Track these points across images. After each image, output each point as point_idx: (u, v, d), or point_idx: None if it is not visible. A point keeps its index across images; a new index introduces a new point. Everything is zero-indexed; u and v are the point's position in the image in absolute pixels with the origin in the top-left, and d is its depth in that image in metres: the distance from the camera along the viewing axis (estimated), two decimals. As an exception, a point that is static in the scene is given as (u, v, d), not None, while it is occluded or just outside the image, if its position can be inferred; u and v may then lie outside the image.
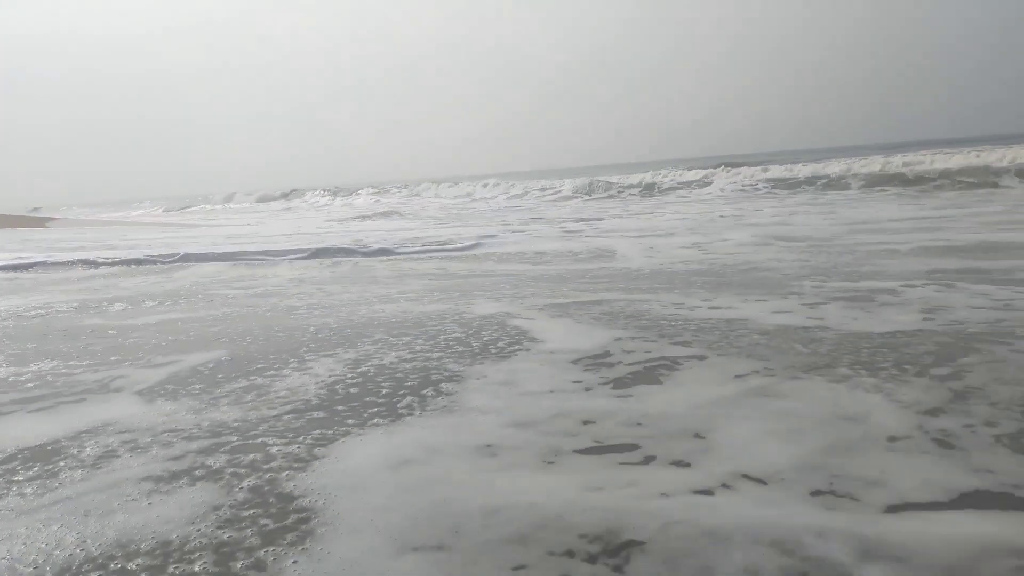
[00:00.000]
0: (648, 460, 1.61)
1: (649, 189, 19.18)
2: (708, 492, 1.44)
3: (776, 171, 17.91)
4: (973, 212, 7.91)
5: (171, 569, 1.24)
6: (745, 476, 1.50)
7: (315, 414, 2.01)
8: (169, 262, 6.60)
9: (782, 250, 5.33)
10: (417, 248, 6.84)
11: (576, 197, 19.49)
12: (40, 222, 38.84)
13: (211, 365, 2.63)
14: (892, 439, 1.65)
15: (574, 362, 2.45)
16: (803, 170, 17.45)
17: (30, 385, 2.48)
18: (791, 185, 16.51)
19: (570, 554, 1.23)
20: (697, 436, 1.73)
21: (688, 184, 18.77)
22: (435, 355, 2.61)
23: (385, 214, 16.41)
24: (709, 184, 18.32)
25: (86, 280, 5.60)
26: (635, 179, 20.50)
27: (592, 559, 1.21)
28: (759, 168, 18.64)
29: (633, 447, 1.69)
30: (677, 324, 2.92)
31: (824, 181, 16.32)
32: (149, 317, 3.77)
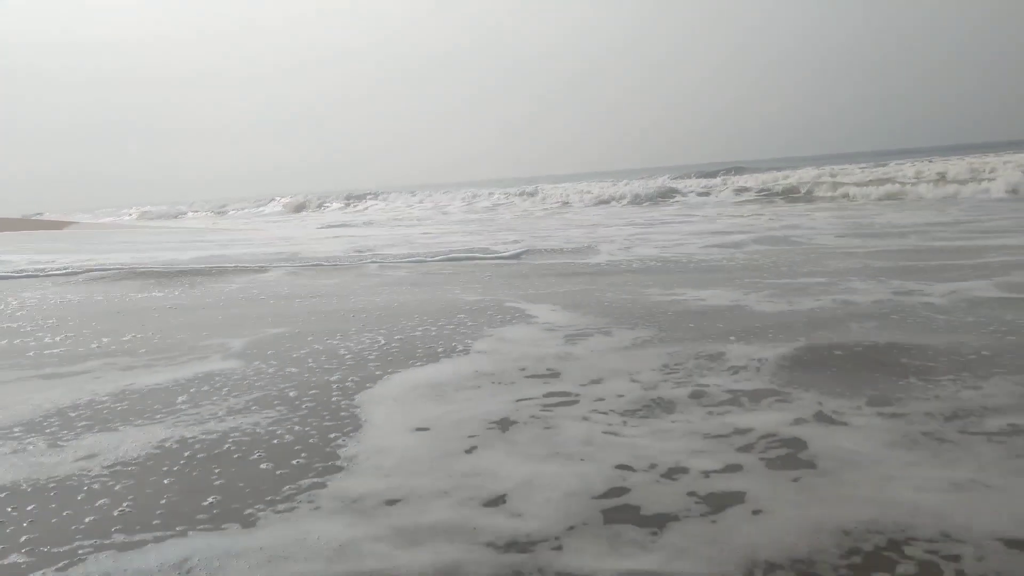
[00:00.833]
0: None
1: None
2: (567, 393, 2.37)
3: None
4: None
5: (261, 448, 2.16)
6: (593, 382, 2.44)
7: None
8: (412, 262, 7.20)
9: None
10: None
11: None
12: (58, 225, 39.89)
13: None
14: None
15: (551, 330, 3.36)
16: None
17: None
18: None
19: (495, 414, 2.14)
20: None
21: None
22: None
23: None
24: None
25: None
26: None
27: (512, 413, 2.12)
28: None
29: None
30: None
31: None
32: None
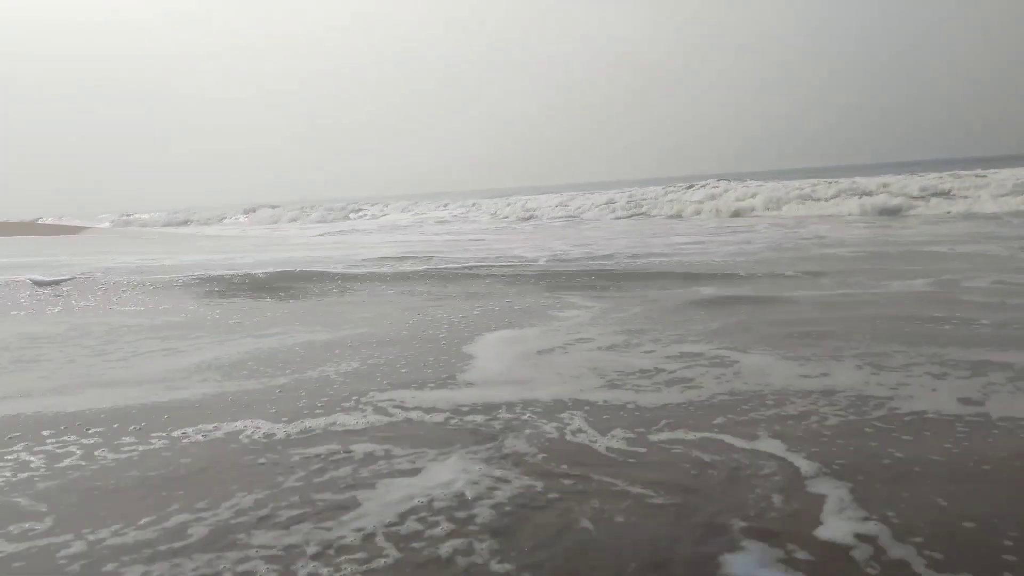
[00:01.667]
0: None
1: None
2: (586, 339, 3.98)
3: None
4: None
5: (385, 376, 3.77)
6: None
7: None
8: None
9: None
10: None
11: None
12: (73, 230, 41.49)
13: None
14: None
15: (597, 313, 4.97)
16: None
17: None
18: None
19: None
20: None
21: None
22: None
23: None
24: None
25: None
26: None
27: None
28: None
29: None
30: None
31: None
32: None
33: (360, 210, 34.69)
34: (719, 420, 2.71)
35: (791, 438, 2.48)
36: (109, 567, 1.78)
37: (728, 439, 2.50)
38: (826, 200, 18.89)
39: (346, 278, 7.64)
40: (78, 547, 1.89)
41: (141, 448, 2.62)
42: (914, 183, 18.38)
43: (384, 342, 4.34)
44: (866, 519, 1.84)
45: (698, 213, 20.74)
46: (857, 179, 20.21)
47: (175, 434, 2.76)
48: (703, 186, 23.17)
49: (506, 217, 25.84)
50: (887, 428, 2.55)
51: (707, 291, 5.93)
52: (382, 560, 1.78)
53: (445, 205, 33.11)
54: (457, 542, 1.85)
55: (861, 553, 1.68)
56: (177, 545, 1.87)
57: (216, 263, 9.81)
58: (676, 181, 27.42)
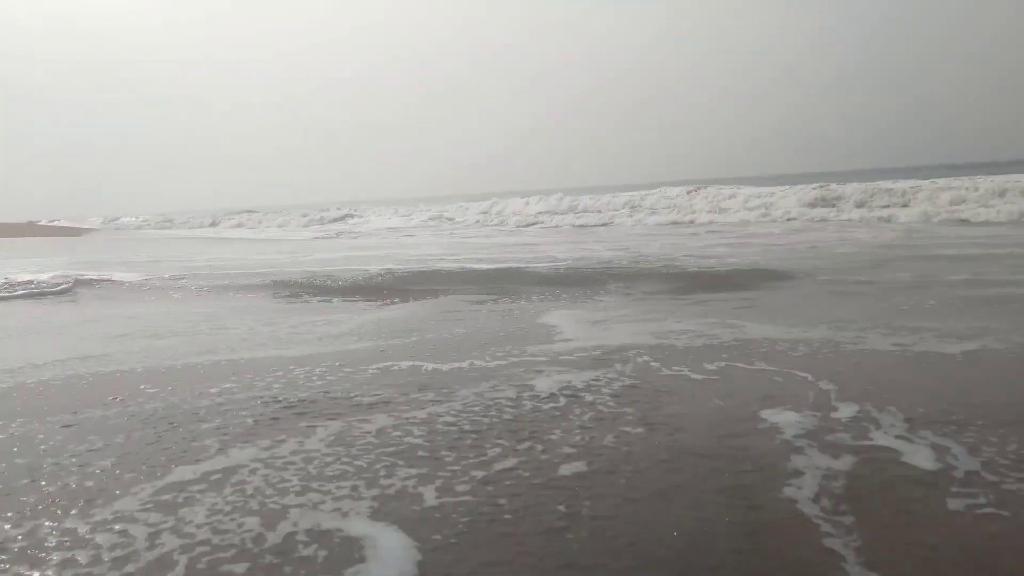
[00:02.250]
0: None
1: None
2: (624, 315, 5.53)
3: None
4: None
5: (482, 334, 5.30)
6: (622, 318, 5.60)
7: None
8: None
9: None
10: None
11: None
12: (76, 232, 42.71)
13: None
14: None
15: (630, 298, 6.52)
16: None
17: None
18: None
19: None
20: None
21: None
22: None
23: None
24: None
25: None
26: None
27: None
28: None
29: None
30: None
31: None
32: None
33: (348, 216, 35.90)
34: (737, 355, 4.25)
35: (786, 362, 4.01)
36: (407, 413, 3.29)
37: (742, 365, 4.03)
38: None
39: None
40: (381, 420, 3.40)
41: (368, 372, 4.12)
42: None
43: (484, 326, 5.88)
44: (851, 402, 3.33)
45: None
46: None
47: (379, 366, 4.26)
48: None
49: (501, 224, 27.27)
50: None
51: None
52: (553, 406, 3.29)
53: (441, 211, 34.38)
54: (594, 397, 3.39)
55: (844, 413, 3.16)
56: (442, 408, 3.38)
57: (307, 264, 11.31)
58: (685, 184, 28.64)
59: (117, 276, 9.66)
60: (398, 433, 3.05)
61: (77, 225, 49.45)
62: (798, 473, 2.51)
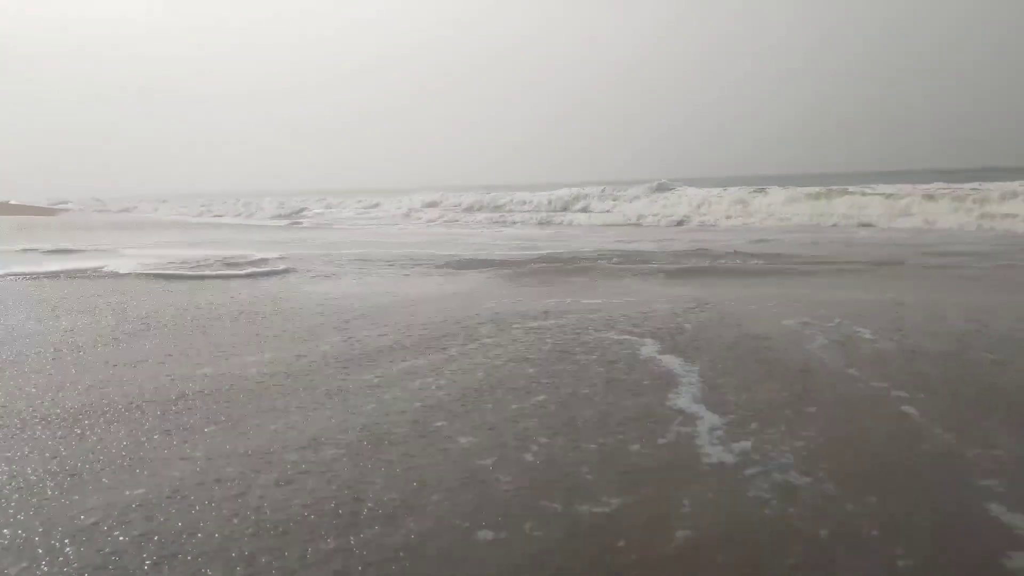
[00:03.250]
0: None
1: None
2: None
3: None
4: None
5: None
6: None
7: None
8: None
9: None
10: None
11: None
12: (50, 212, 43.29)
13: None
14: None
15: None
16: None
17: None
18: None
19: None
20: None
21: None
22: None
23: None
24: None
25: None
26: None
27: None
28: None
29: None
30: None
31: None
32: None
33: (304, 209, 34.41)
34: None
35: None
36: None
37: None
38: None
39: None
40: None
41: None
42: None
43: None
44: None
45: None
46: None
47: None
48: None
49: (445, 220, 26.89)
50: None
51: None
52: (623, 326, 4.75)
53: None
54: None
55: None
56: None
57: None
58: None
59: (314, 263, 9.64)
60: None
61: (52, 206, 49.56)
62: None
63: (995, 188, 16.75)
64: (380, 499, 2.39)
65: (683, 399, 3.35)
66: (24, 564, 2.03)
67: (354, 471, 2.61)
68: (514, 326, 4.99)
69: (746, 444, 2.81)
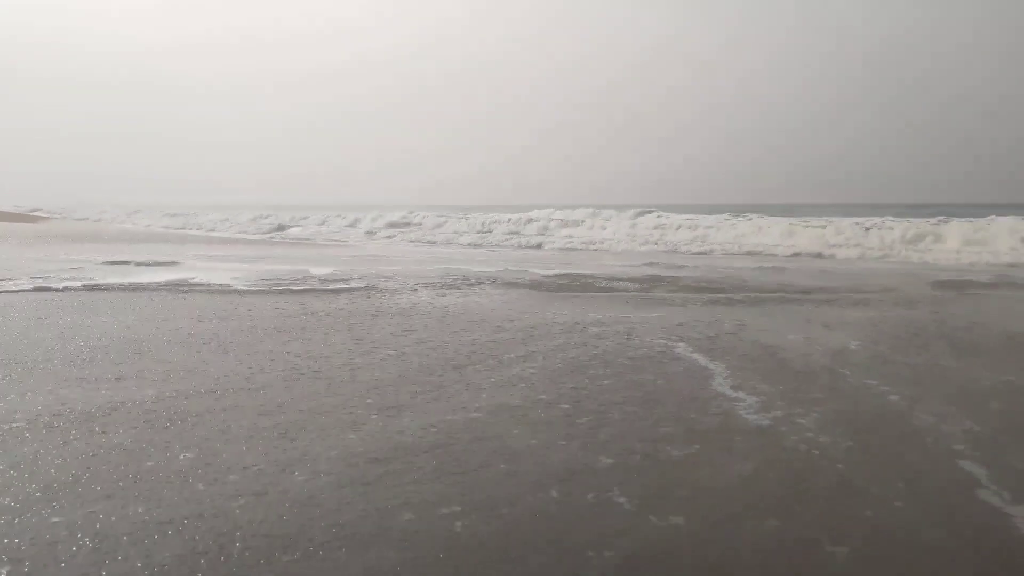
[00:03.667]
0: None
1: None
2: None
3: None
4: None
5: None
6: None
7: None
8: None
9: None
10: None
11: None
12: (30, 219, 43.46)
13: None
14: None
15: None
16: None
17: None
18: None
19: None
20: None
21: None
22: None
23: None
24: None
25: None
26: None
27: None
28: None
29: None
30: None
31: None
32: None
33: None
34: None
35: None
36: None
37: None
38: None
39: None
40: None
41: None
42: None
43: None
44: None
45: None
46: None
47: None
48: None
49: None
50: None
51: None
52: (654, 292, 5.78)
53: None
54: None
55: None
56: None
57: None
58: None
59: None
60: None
61: (30, 213, 49.37)
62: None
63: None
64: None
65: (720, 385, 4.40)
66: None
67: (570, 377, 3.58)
68: (581, 329, 6.17)
69: (777, 413, 3.84)
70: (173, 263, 12.80)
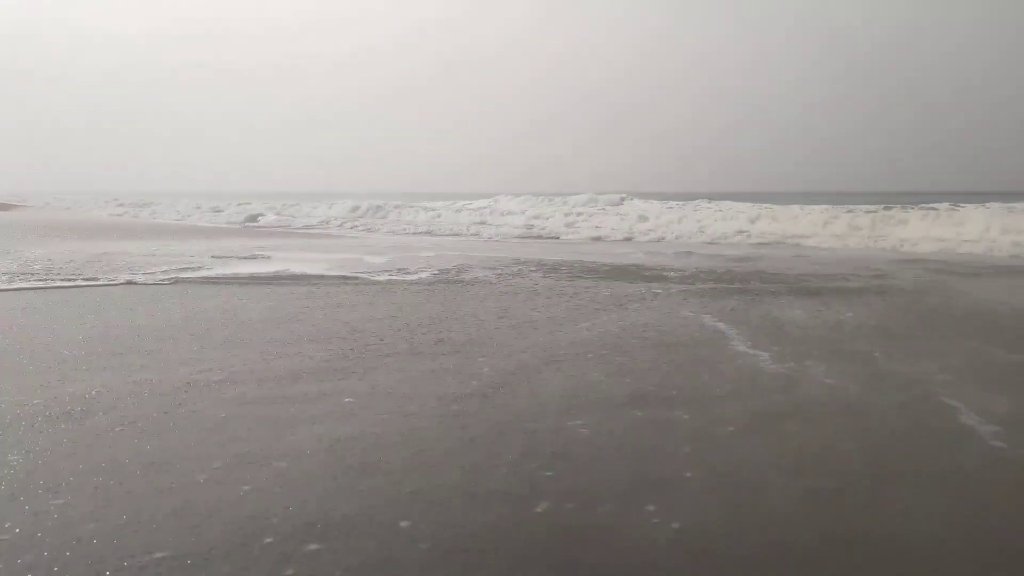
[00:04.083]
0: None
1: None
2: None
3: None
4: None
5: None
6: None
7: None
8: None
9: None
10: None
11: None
12: (6, 207, 43.41)
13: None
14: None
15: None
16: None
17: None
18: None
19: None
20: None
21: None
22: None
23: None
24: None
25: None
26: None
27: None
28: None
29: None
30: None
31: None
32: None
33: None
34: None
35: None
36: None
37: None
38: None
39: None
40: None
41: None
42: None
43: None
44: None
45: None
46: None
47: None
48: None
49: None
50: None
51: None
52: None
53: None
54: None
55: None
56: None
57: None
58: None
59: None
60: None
61: (8, 202, 49.03)
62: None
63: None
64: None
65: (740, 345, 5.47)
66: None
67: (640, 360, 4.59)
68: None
69: (792, 364, 4.91)
70: (255, 256, 12.92)
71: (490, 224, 24.70)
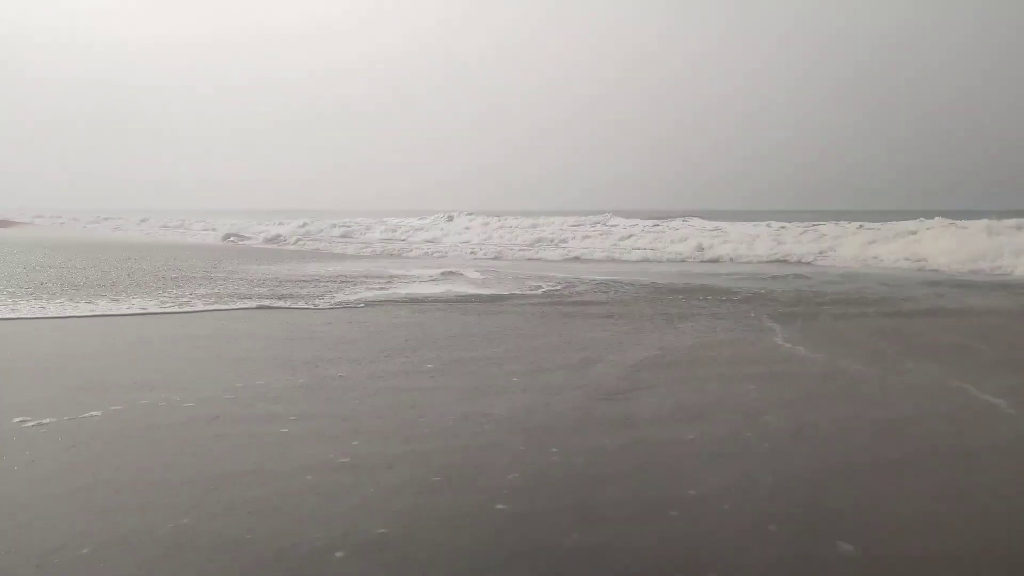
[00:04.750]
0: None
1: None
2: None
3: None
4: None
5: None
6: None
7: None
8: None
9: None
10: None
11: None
12: (6, 224, 43.40)
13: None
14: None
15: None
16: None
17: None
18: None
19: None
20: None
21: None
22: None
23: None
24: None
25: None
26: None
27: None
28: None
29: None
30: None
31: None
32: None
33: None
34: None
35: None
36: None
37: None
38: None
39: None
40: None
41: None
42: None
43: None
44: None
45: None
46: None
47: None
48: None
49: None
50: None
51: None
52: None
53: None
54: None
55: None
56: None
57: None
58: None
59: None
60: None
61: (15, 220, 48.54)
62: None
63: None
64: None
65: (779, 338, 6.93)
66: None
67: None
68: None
69: (822, 353, 6.33)
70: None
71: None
